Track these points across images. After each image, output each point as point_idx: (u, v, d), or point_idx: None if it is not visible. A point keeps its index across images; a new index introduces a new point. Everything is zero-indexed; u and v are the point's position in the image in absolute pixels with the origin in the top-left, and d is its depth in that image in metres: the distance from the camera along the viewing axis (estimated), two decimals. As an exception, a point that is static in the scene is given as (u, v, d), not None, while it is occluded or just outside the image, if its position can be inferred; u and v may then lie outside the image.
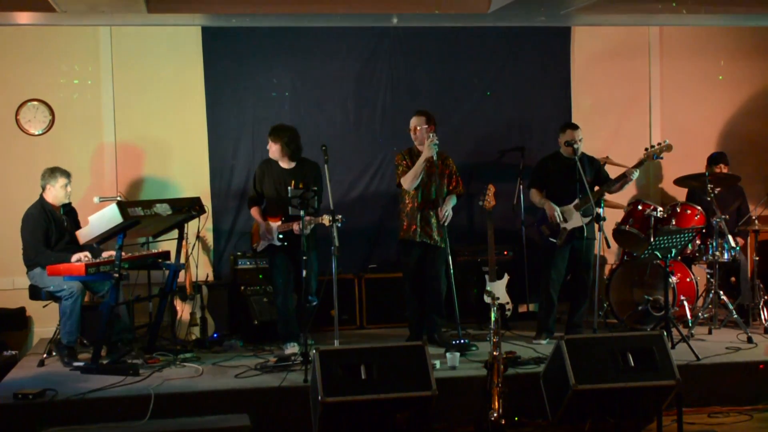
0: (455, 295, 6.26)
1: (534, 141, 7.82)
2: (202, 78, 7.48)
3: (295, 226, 6.06)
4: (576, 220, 6.52)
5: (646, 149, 6.57)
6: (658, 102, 8.22)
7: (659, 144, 6.52)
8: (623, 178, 6.48)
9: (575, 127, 6.59)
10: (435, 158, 6.28)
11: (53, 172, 6.30)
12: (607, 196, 6.75)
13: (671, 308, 6.55)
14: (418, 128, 6.39)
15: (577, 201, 6.51)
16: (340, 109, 7.71)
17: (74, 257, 6.04)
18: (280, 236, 6.26)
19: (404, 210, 6.45)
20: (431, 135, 6.27)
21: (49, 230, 6.19)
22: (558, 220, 6.49)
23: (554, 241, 6.52)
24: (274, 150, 6.35)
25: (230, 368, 5.89)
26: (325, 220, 5.98)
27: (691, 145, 8.07)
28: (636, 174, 6.50)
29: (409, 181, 6.32)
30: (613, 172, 7.05)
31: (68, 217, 6.39)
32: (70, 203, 6.44)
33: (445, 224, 6.32)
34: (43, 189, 6.30)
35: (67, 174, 6.32)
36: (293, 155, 6.35)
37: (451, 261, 6.34)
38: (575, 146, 6.47)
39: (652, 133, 8.19)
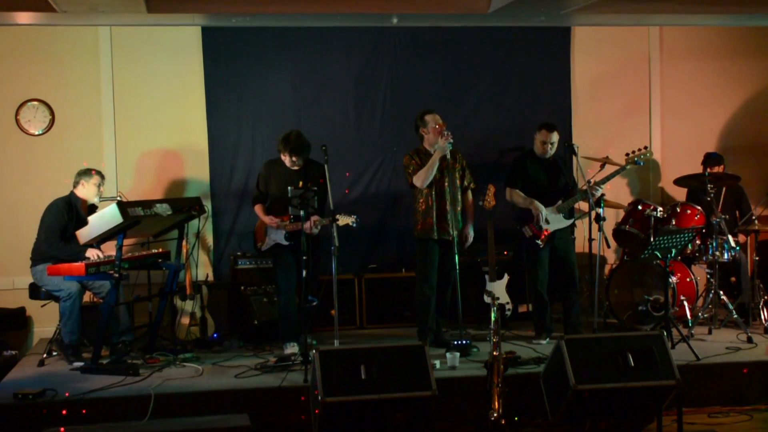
0: (459, 295, 6.25)
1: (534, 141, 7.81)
2: (202, 78, 7.48)
3: (307, 225, 6.07)
4: (558, 222, 6.53)
5: (627, 155, 6.60)
6: (658, 102, 8.22)
7: (639, 150, 6.57)
8: (587, 194, 6.45)
9: (551, 128, 6.60)
10: (448, 156, 6.30)
11: (88, 170, 6.39)
12: (608, 196, 6.75)
13: (671, 308, 6.55)
14: (439, 125, 6.38)
15: (559, 203, 6.53)
16: (340, 109, 7.70)
17: (89, 253, 6.05)
18: (287, 239, 6.30)
19: (419, 209, 6.42)
20: (446, 132, 6.28)
21: (68, 225, 6.20)
22: (542, 223, 6.49)
23: (538, 243, 6.52)
24: (293, 161, 6.33)
25: (230, 368, 5.89)
26: (340, 221, 6.05)
27: (691, 145, 8.08)
28: (600, 189, 6.50)
29: (422, 179, 6.31)
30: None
31: None
32: (96, 207, 6.46)
33: (466, 245, 6.48)
34: (75, 186, 6.34)
35: (101, 174, 6.42)
36: (305, 158, 6.41)
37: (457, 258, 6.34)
38: (548, 147, 6.52)
39: (652, 133, 8.19)
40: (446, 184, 6.35)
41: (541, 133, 6.60)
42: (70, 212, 6.22)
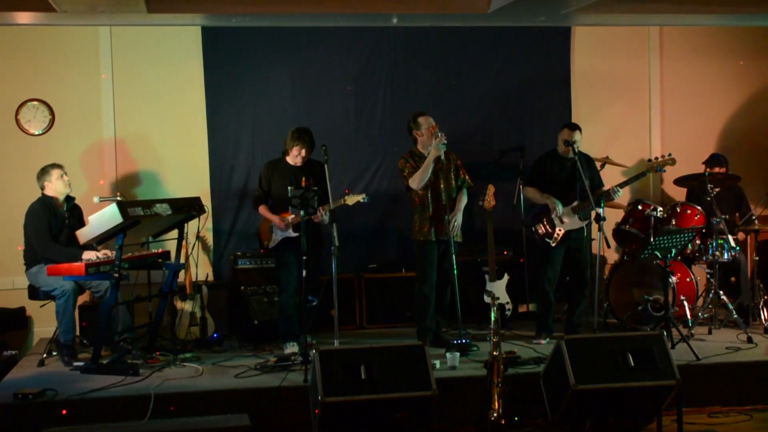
0: (458, 295, 6.25)
1: (534, 141, 7.82)
2: (202, 78, 7.48)
3: (316, 215, 6.10)
4: (573, 222, 6.52)
5: (650, 160, 6.59)
6: (658, 102, 8.22)
7: (663, 157, 6.55)
8: (606, 196, 6.47)
9: (574, 128, 6.61)
10: (442, 156, 6.29)
11: (44, 168, 6.36)
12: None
13: (671, 308, 6.55)
14: (432, 126, 6.39)
15: (576, 203, 6.52)
16: (340, 109, 7.70)
17: (85, 255, 6.05)
18: (296, 230, 6.29)
19: (416, 211, 6.44)
20: (440, 134, 6.28)
21: (51, 224, 6.20)
22: (556, 217, 6.48)
23: (549, 241, 6.52)
24: (303, 154, 6.32)
25: (230, 368, 5.89)
26: (349, 200, 6.07)
27: (691, 145, 8.07)
28: (620, 193, 6.51)
29: (418, 181, 6.32)
30: (612, 171, 7.09)
31: (71, 214, 6.41)
32: (73, 199, 6.47)
33: (454, 234, 6.32)
34: (42, 189, 6.34)
35: (58, 165, 6.38)
36: (309, 153, 6.41)
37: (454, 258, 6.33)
38: (573, 146, 6.49)
39: (651, 133, 8.19)
40: (441, 184, 6.35)
41: (563, 132, 6.60)
42: (48, 211, 6.23)
